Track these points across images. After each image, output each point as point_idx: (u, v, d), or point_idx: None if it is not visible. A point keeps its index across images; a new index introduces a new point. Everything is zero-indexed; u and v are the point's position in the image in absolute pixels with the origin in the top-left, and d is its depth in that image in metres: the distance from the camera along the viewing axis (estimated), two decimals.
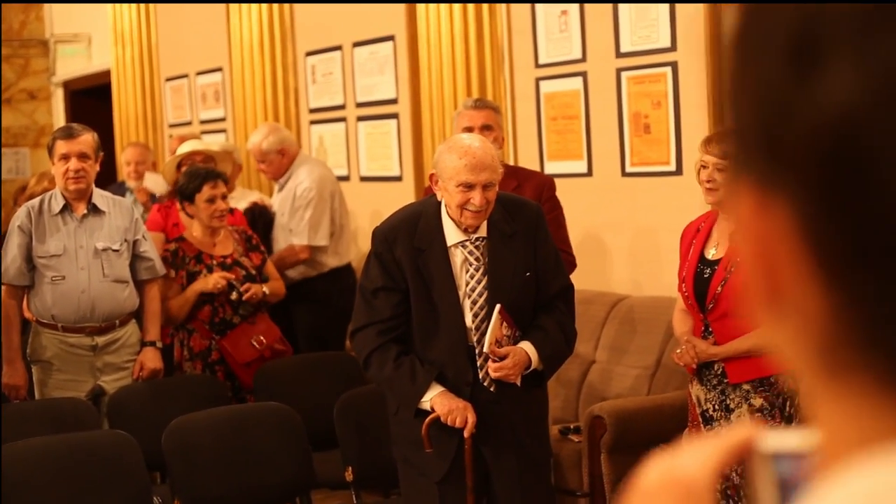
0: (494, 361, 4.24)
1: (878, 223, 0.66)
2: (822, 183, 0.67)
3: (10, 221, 5.82)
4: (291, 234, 7.37)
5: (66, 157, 5.61)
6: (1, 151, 12.82)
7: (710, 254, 4.68)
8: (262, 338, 6.07)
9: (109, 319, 5.71)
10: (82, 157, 5.63)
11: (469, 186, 4.19)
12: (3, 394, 5.80)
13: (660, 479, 0.80)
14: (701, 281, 4.64)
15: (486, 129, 5.58)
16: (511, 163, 7.13)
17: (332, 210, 7.49)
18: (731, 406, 4.58)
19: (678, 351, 4.70)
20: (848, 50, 0.65)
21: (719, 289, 4.56)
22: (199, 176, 6.07)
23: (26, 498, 4.57)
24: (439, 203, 4.36)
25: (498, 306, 4.21)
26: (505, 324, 4.26)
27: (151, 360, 5.78)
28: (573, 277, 5.72)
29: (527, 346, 4.34)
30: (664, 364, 6.08)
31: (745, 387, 4.55)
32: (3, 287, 5.73)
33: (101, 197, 5.80)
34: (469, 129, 5.49)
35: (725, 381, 4.58)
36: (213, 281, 5.98)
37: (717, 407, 4.62)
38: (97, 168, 5.76)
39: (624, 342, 6.38)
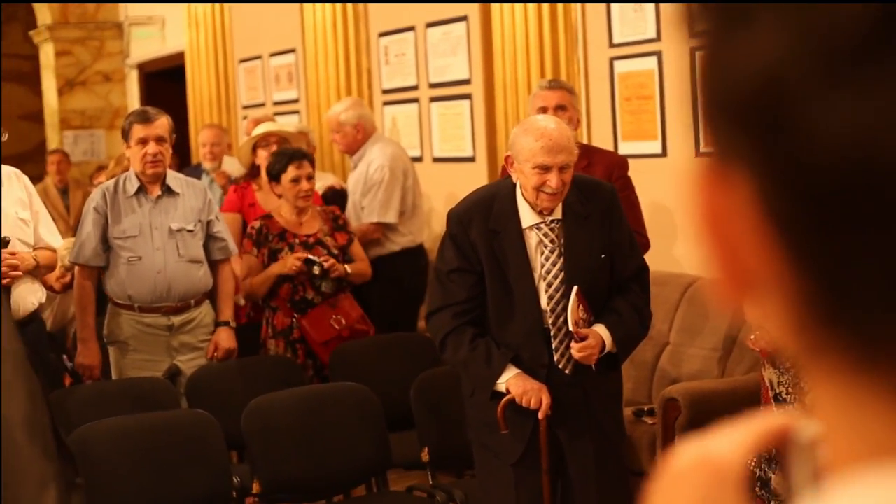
0: (576, 342, 4.24)
1: (821, 182, 0.63)
2: (762, 145, 0.66)
3: (86, 203, 5.88)
4: (363, 212, 7.42)
5: (144, 141, 5.67)
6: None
7: None
8: (341, 318, 6.11)
9: (185, 299, 5.77)
10: (160, 140, 5.69)
11: (545, 168, 4.18)
12: (77, 374, 5.88)
13: (691, 460, 0.80)
14: None
15: (560, 109, 5.57)
16: (584, 143, 7.12)
17: (403, 189, 7.52)
18: (806, 388, 4.54)
19: (752, 336, 4.67)
20: (773, 7, 0.65)
21: None
22: (285, 156, 6.15)
23: (106, 477, 4.63)
24: (514, 185, 4.36)
25: (575, 288, 4.21)
26: (581, 307, 4.26)
27: (226, 340, 5.84)
28: (646, 258, 5.72)
29: (601, 330, 4.33)
30: (737, 345, 6.06)
31: None
32: (77, 268, 5.80)
33: (174, 178, 5.86)
34: (543, 110, 5.49)
35: None
36: (290, 263, 6.03)
37: (790, 389, 4.60)
38: (171, 150, 5.83)
39: (697, 324, 6.35)
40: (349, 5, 9.24)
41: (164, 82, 12.78)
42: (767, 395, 4.69)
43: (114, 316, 5.80)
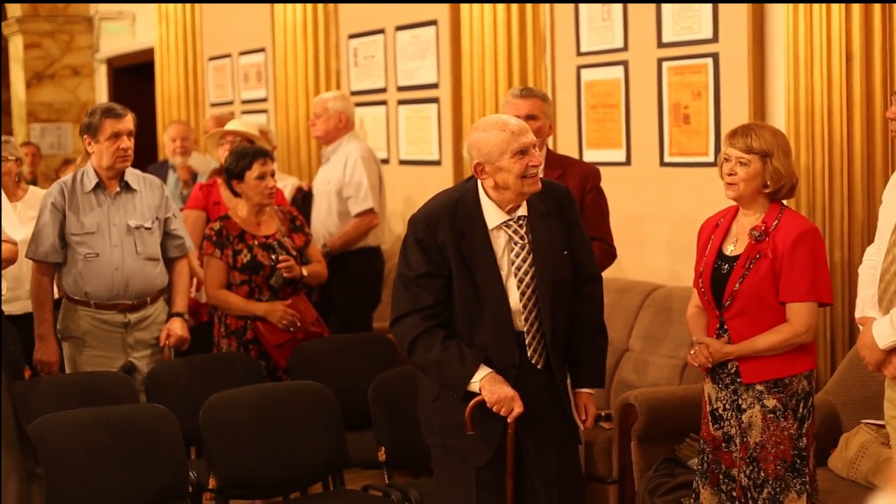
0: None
1: None
2: None
3: (43, 198, 5.87)
4: (350, 201, 7.46)
5: (117, 136, 5.68)
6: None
7: (729, 250, 4.61)
8: (297, 321, 6.10)
9: (141, 296, 5.77)
10: (130, 135, 5.72)
11: (524, 152, 4.24)
12: (36, 370, 5.86)
13: None
14: (719, 277, 4.59)
15: (530, 118, 5.57)
16: (557, 153, 7.16)
17: (380, 186, 7.60)
18: (744, 406, 4.53)
19: (692, 352, 4.69)
20: None
21: (737, 286, 4.51)
22: (248, 154, 6.13)
23: (63, 469, 4.62)
24: (476, 187, 4.39)
25: None
26: None
27: (179, 328, 5.83)
28: (612, 266, 5.75)
29: (585, 396, 4.58)
30: None
31: (759, 387, 4.50)
32: (34, 264, 5.78)
33: (132, 175, 5.85)
34: None
35: (739, 380, 4.54)
36: (278, 317, 6.05)
37: (727, 406, 4.59)
38: None
39: (658, 331, 6.40)
40: (320, 6, 9.25)
41: (133, 78, 12.77)
42: (705, 409, 4.72)
43: (69, 311, 5.78)
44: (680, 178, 6.59)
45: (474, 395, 4.29)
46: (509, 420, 4.26)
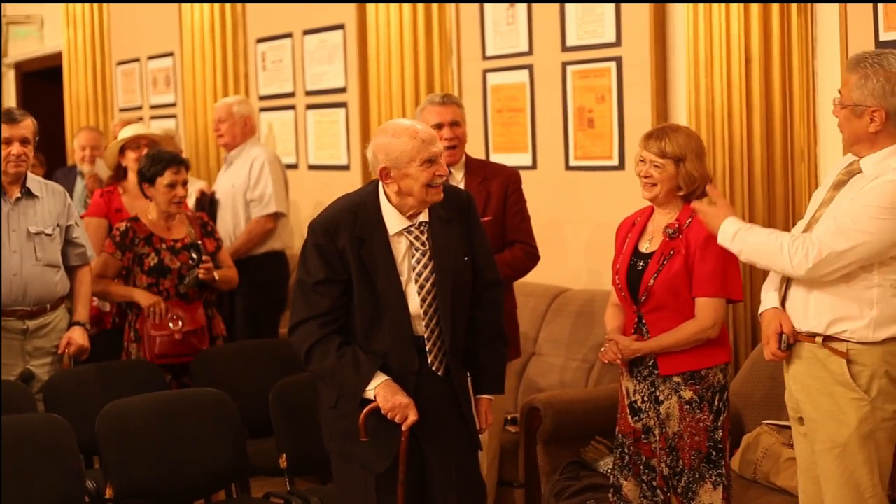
0: None
1: None
2: None
3: None
4: (253, 204, 7.43)
5: (8, 142, 5.59)
6: None
7: (644, 247, 4.71)
8: (180, 320, 6.05)
9: (41, 303, 5.68)
10: (24, 141, 5.62)
11: (432, 160, 4.22)
12: None
13: None
14: (634, 273, 4.67)
15: (454, 125, 5.55)
16: (475, 157, 7.16)
17: (286, 190, 7.57)
18: (661, 398, 4.60)
19: (602, 349, 4.73)
20: None
21: (652, 281, 4.59)
22: (162, 160, 6.08)
23: None
24: (377, 192, 4.36)
25: None
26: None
27: (79, 336, 5.75)
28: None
29: (486, 400, 4.54)
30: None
31: (676, 379, 4.58)
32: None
33: (34, 181, 5.77)
34: (438, 126, 5.44)
35: (656, 372, 4.61)
36: (151, 302, 6.01)
37: (646, 399, 4.65)
38: (33, 152, 5.74)
39: (564, 335, 6.41)
40: (228, 9, 9.19)
41: (42, 82, 12.61)
42: (623, 402, 4.75)
43: None
44: (585, 181, 6.61)
45: (372, 401, 4.27)
46: (403, 428, 4.24)
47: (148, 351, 6.00)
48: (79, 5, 11.15)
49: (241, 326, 7.38)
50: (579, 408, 5.63)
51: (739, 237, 4.25)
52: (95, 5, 11.01)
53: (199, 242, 6.18)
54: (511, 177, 5.65)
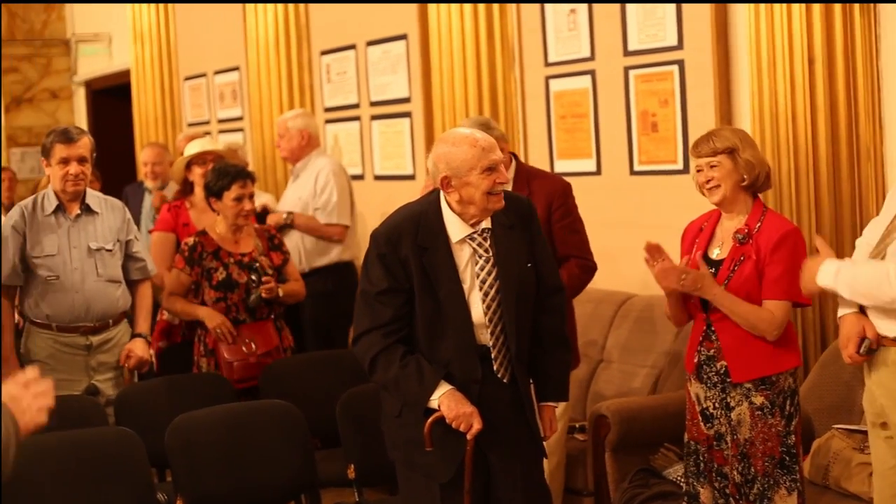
0: None
1: None
2: None
3: (4, 221, 5.83)
4: (318, 213, 7.52)
5: (65, 161, 5.64)
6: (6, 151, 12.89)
7: (714, 254, 4.65)
8: (253, 343, 6.08)
9: (103, 319, 5.72)
10: (81, 160, 5.67)
11: (492, 168, 4.22)
12: None
13: None
14: None
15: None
16: (522, 160, 7.15)
17: (351, 200, 7.59)
18: (732, 404, 4.56)
19: (682, 277, 4.58)
20: None
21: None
22: (228, 174, 6.11)
23: (30, 493, 4.59)
24: (438, 201, 4.37)
25: None
26: None
27: (140, 348, 5.79)
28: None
29: (550, 408, 4.54)
30: (671, 363, 6.08)
31: (747, 385, 4.53)
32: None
33: (93, 197, 5.82)
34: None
35: (728, 379, 4.56)
36: (216, 323, 6.05)
37: (717, 405, 4.61)
38: (91, 169, 5.80)
39: (631, 341, 6.38)
40: (292, 22, 9.24)
41: (111, 99, 12.74)
42: (693, 409, 4.71)
43: (31, 335, 5.75)
44: (650, 185, 6.58)
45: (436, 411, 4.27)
46: (468, 436, 4.23)
47: (227, 377, 6.04)
48: (146, 22, 11.26)
49: (311, 338, 7.41)
50: (647, 414, 5.60)
51: (842, 275, 4.16)
52: (162, 22, 11.11)
53: (261, 259, 6.19)
54: (553, 192, 5.56)
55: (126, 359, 5.78)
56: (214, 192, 6.13)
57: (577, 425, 5.98)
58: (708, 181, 4.59)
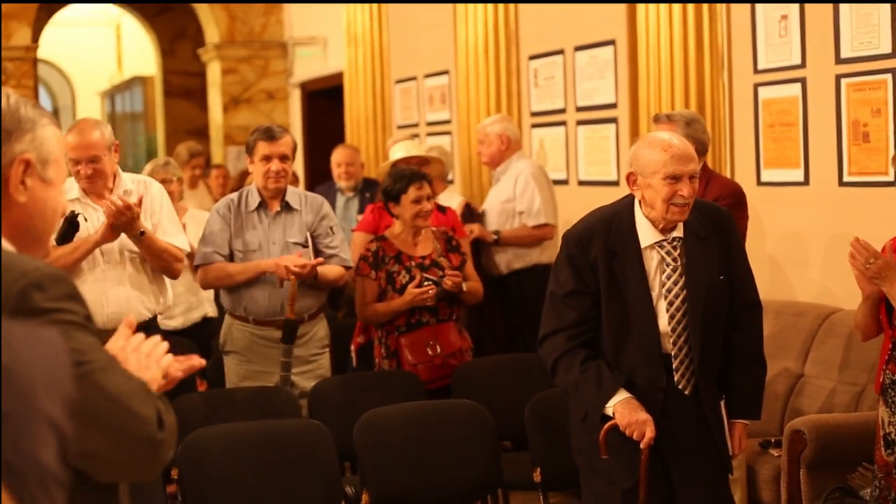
0: None
1: None
2: None
3: (212, 211, 5.97)
4: (523, 216, 7.55)
5: (267, 158, 5.76)
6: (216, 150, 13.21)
7: None
8: (437, 345, 6.06)
9: (299, 314, 5.78)
10: (283, 158, 5.78)
11: (676, 178, 4.14)
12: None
13: None
14: None
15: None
16: (728, 171, 7.02)
17: (552, 200, 7.59)
18: None
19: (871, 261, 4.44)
20: None
21: None
22: (404, 177, 6.13)
23: (219, 479, 4.71)
24: (632, 205, 4.31)
25: None
26: None
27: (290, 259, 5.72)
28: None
29: (740, 425, 4.44)
30: (874, 380, 5.88)
31: None
32: (200, 275, 5.86)
33: (293, 194, 5.92)
34: None
35: None
36: (419, 299, 5.98)
37: None
38: (292, 167, 5.89)
39: (834, 356, 6.19)
40: (501, 27, 9.26)
41: (325, 101, 12.98)
42: (879, 433, 4.53)
43: (229, 326, 5.89)
44: (860, 197, 6.37)
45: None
46: (642, 445, 4.16)
47: (410, 359, 6.06)
48: (359, 25, 11.43)
49: (510, 340, 7.41)
50: (845, 432, 5.42)
51: None
52: (376, 25, 11.26)
53: (440, 260, 6.17)
54: (727, 193, 5.46)
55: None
56: (392, 196, 6.14)
57: (772, 440, 5.83)
58: None
